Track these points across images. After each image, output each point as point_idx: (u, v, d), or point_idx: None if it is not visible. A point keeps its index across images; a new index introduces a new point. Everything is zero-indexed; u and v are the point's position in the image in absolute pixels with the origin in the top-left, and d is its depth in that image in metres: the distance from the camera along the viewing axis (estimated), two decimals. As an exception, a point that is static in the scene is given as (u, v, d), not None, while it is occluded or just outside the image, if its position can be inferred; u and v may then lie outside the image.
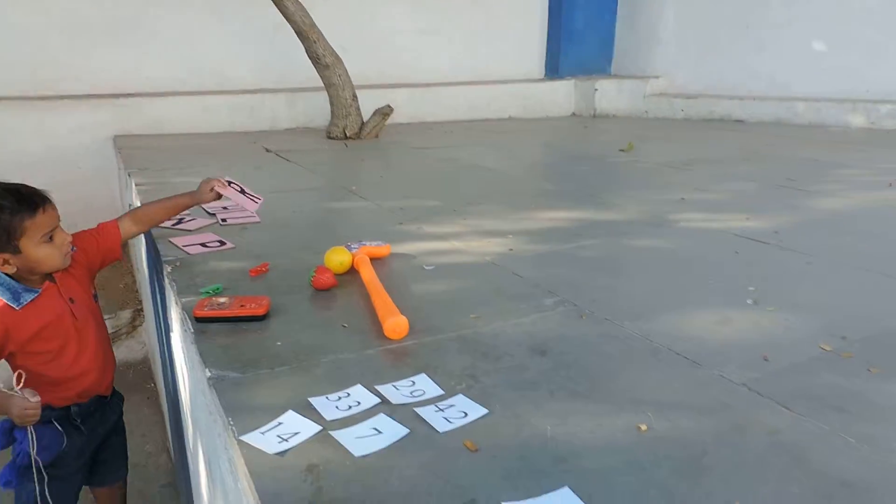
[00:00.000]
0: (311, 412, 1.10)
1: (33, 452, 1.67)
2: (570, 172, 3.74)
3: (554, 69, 6.71)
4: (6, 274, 1.59)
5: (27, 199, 1.56)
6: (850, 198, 2.84)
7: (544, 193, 3.12)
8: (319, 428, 1.05)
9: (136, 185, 3.00)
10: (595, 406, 1.14)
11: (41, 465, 1.69)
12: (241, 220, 2.33)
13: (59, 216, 1.63)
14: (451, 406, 1.12)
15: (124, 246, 2.16)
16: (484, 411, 1.10)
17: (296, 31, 4.46)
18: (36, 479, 1.70)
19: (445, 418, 1.08)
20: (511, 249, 2.06)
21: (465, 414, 1.09)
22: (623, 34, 6.79)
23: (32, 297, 1.62)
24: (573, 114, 6.48)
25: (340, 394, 1.15)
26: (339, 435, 1.03)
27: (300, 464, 0.96)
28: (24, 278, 1.63)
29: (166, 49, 5.08)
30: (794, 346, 1.39)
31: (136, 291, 4.10)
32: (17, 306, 1.59)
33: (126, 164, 3.57)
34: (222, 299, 1.52)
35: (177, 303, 1.62)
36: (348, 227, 2.41)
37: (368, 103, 4.78)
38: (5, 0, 4.60)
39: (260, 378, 1.22)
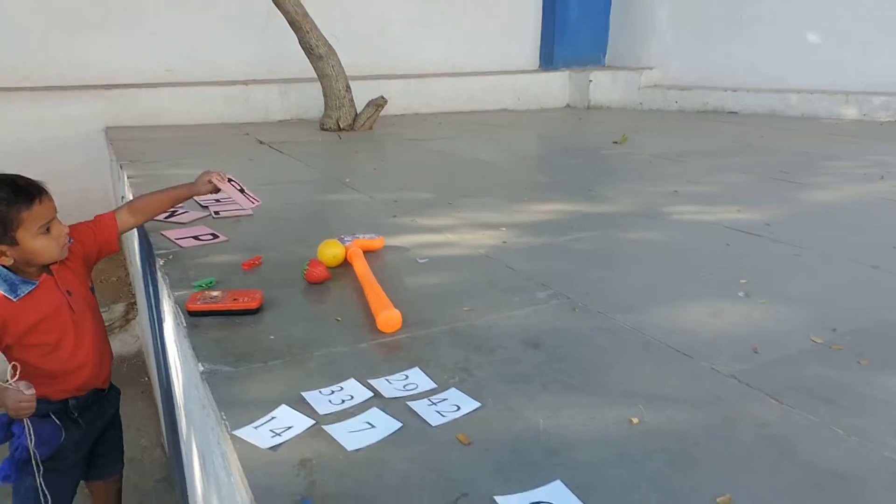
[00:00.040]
0: (304, 406, 1.10)
1: (31, 446, 1.67)
2: (564, 164, 3.74)
3: (548, 60, 6.70)
4: (3, 266, 1.59)
5: (24, 191, 1.56)
6: (841, 190, 2.85)
7: (538, 186, 3.12)
8: (312, 422, 1.05)
9: (128, 177, 2.98)
10: (587, 399, 1.14)
11: (39, 459, 1.69)
12: (234, 213, 2.32)
13: (55, 207, 1.63)
14: (444, 400, 1.12)
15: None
16: (477, 405, 1.11)
17: (288, 22, 4.43)
18: (35, 473, 1.70)
19: (438, 412, 1.08)
20: (504, 242, 2.06)
21: (458, 407, 1.10)
22: (617, 25, 6.78)
23: (30, 289, 1.61)
24: (567, 105, 6.48)
25: (333, 388, 1.16)
26: (332, 429, 1.03)
27: (293, 458, 0.96)
28: (21, 270, 1.62)
29: (158, 40, 5.04)
30: (785, 338, 1.40)
31: (130, 285, 4.09)
32: (15, 298, 1.59)
33: (118, 156, 3.54)
34: (215, 293, 1.51)
35: (169, 296, 1.62)
36: (341, 219, 2.41)
37: (362, 94, 4.76)
38: (-5, -10, 4.56)
39: (253, 372, 1.23)
